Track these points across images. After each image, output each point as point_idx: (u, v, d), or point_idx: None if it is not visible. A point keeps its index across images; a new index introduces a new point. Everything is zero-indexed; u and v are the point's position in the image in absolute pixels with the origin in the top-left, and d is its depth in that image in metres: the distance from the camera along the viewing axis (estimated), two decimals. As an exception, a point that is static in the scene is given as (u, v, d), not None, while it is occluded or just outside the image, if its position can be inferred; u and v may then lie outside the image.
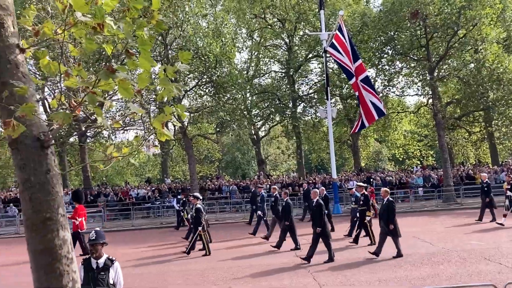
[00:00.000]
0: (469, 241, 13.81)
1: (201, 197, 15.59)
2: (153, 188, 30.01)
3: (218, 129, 28.97)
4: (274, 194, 16.56)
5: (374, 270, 10.68)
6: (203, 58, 24.34)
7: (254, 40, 36.61)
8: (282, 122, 34.13)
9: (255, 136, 36.65)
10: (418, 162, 43.50)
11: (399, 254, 11.94)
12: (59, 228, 4.04)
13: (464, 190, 26.97)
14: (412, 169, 37.19)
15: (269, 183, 29.37)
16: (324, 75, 26.28)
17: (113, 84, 3.71)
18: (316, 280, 10.01)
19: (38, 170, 4.00)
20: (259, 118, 35.24)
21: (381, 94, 31.95)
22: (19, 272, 12.78)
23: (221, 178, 34.86)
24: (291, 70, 31.88)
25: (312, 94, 34.13)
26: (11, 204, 26.74)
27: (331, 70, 30.84)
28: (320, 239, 11.89)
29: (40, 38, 4.28)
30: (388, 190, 13.42)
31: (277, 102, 31.90)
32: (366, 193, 15.10)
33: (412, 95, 69.62)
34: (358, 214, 14.78)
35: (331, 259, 11.82)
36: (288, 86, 32.10)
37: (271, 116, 34.99)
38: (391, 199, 12.67)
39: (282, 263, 12.09)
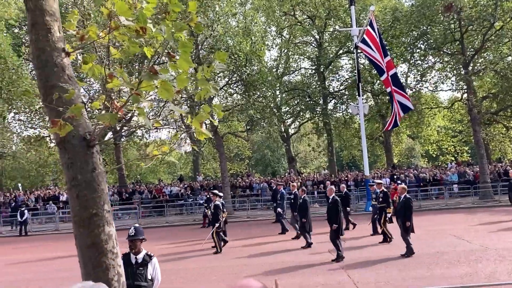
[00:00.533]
0: (508, 239, 13.46)
1: (220, 194, 15.56)
2: (186, 186, 30.46)
3: (248, 127, 29.11)
4: (293, 192, 16.44)
5: (408, 268, 10.57)
6: (233, 57, 24.48)
7: (283, 37, 36.54)
8: (313, 119, 33.96)
9: (285, 134, 36.61)
10: (453, 159, 42.49)
11: (409, 252, 11.76)
12: (104, 223, 4.22)
13: (502, 186, 26.22)
14: (446, 166, 36.39)
15: (300, 180, 29.37)
16: (355, 71, 26.04)
17: (154, 85, 3.84)
18: (350, 277, 9.99)
19: (85, 169, 4.18)
20: (289, 115, 35.19)
21: (413, 90, 31.42)
22: (52, 268, 13.29)
23: (251, 176, 35.02)
24: (322, 66, 31.69)
25: (343, 91, 33.84)
26: (50, 202, 27.69)
27: (362, 66, 30.47)
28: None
29: (84, 42, 4.47)
30: (406, 187, 13.28)
31: (308, 99, 31.77)
32: (385, 190, 14.89)
33: (445, 90, 68.04)
34: (378, 211, 14.78)
35: (340, 257, 11.71)
36: (319, 83, 31.93)
37: (301, 113, 34.90)
38: (408, 196, 12.53)
39: (314, 260, 12.10)
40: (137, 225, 6.74)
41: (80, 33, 4.95)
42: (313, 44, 34.82)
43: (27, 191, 32.47)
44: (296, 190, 16.21)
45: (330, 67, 32.86)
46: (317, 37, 33.25)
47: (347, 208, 17.40)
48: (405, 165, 46.31)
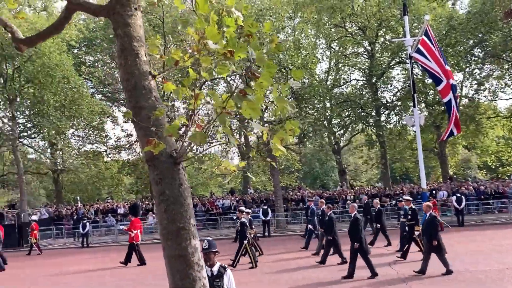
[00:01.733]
0: None
1: (247, 211, 15.61)
2: (238, 199, 30.77)
3: (300, 140, 29.15)
4: (321, 208, 16.18)
5: (478, 284, 10.18)
6: (284, 71, 24.73)
7: (332, 49, 36.43)
8: (365, 130, 33.52)
9: (335, 146, 36.31)
10: (513, 170, 40.52)
11: (448, 271, 11.26)
12: (191, 237, 4.42)
13: None
14: (507, 177, 34.72)
15: (353, 193, 28.96)
16: (408, 82, 25.45)
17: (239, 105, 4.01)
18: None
19: (172, 184, 4.40)
20: (340, 127, 34.91)
21: (470, 99, 30.41)
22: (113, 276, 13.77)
23: (303, 189, 34.89)
24: (374, 77, 31.31)
25: (396, 102, 33.23)
26: (109, 215, 28.78)
27: (415, 76, 29.85)
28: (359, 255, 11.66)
29: (168, 65, 4.73)
30: (431, 205, 12.79)
31: (360, 110, 31.42)
32: (413, 207, 14.40)
33: (506, 99, 65.09)
34: (407, 229, 14.26)
35: (374, 274, 11.48)
36: (371, 94, 31.53)
37: (352, 125, 34.53)
38: (434, 214, 12.09)
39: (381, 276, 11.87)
40: (210, 238, 6.92)
41: (164, 57, 5.26)
42: (364, 55, 34.49)
43: (85, 205, 33.90)
44: (323, 206, 15.90)
45: (383, 77, 32.36)
46: (369, 48, 32.93)
47: (377, 225, 17.22)
48: (461, 178, 44.62)
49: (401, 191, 27.88)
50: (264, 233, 22.76)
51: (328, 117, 32.47)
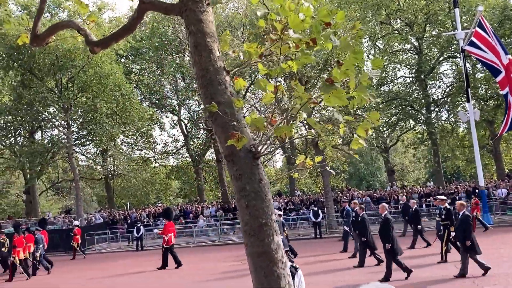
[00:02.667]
0: None
1: (279, 213, 15.27)
2: (286, 201, 30.61)
3: (349, 140, 28.65)
4: (355, 209, 15.67)
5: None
6: (330, 69, 24.44)
7: (376, 47, 35.70)
8: (416, 128, 32.58)
9: (383, 145, 35.51)
10: None
11: (485, 271, 10.83)
12: (273, 233, 4.32)
13: None
14: None
15: (405, 193, 28.16)
16: (459, 76, 24.54)
17: (327, 94, 3.88)
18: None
19: (252, 179, 4.32)
20: (387, 126, 34.10)
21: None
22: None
23: (352, 190, 34.30)
24: (422, 74, 30.40)
25: (446, 98, 32.13)
26: (161, 218, 29.27)
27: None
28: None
29: (244, 59, 4.68)
30: (464, 203, 12.27)
31: (409, 108, 30.57)
32: (448, 206, 13.64)
33: None
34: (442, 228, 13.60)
35: (408, 273, 11.16)
36: (420, 91, 30.63)
37: (401, 123, 33.65)
38: (467, 213, 11.59)
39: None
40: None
41: (236, 52, 5.21)
42: (411, 51, 33.59)
43: (137, 209, 34.72)
44: (357, 207, 15.42)
45: (432, 73, 31.36)
46: (416, 44, 32.03)
47: (418, 226, 16.66)
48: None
49: (455, 190, 26.86)
50: (315, 234, 22.49)
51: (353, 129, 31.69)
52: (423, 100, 30.27)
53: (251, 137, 4.47)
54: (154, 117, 33.76)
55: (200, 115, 36.48)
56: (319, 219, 22.62)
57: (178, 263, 16.45)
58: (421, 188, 31.08)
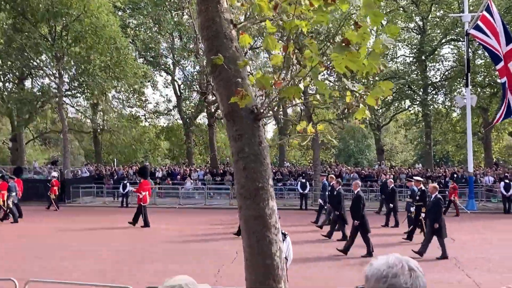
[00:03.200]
0: None
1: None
2: (274, 171, 30.63)
3: (343, 115, 28.50)
4: (331, 183, 15.87)
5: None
6: (329, 44, 24.00)
7: (380, 24, 35.09)
8: (411, 109, 32.48)
9: (375, 124, 35.43)
10: None
11: (444, 256, 11.02)
12: (269, 197, 4.17)
13: None
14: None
15: (393, 173, 28.31)
16: (460, 60, 24.28)
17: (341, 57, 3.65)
18: (470, 277, 9.35)
19: (252, 141, 4.14)
20: (383, 104, 33.93)
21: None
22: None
23: (340, 165, 34.40)
24: (423, 54, 30.04)
25: (444, 82, 31.92)
26: (148, 177, 29.19)
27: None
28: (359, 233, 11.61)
29: (254, 13, 4.40)
30: (437, 186, 12.53)
31: (406, 88, 30.36)
32: (423, 188, 13.82)
33: None
34: (412, 210, 14.04)
35: (369, 253, 11.33)
36: (419, 72, 30.34)
37: (395, 103, 33.49)
38: (439, 196, 11.80)
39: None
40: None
41: (246, 4, 4.91)
42: (414, 31, 33.08)
43: (124, 166, 34.52)
44: (333, 181, 15.60)
45: (433, 55, 31.02)
46: (420, 23, 31.51)
47: (390, 205, 16.92)
48: (504, 164, 43.03)
49: (443, 174, 27.05)
50: (301, 206, 22.62)
51: (361, 99, 31.40)
52: (421, 82, 30.05)
53: (253, 97, 4.27)
54: (147, 74, 33.11)
55: (195, 77, 35.90)
56: (306, 191, 22.71)
57: (146, 224, 16.54)
58: (409, 169, 31.24)
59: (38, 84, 33.61)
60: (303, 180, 23.32)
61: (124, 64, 27.24)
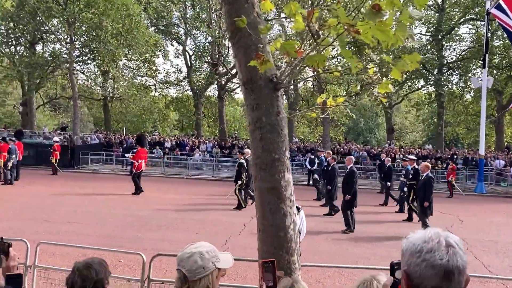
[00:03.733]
0: None
1: (244, 152, 15.67)
2: (283, 146, 30.51)
3: (356, 92, 28.15)
4: (327, 159, 16.09)
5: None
6: (356, 12, 23.47)
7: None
8: (425, 89, 32.00)
9: (388, 102, 34.98)
10: None
11: None
12: (285, 169, 4.08)
13: None
14: None
15: (402, 153, 28.11)
16: (478, 40, 23.68)
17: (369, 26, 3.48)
18: (478, 259, 9.30)
19: (270, 111, 4.03)
20: (396, 82, 33.46)
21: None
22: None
23: (350, 143, 34.21)
24: (440, 33, 29.36)
25: (459, 62, 31.28)
26: (157, 147, 29.31)
27: (484, 37, 27.90)
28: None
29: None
30: (429, 165, 12.41)
31: (421, 67, 29.83)
32: (416, 166, 13.74)
33: None
34: (405, 189, 14.07)
35: (349, 229, 11.48)
36: (435, 51, 29.74)
37: (409, 82, 32.99)
38: (430, 175, 11.65)
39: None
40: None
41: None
42: (433, 8, 32.26)
43: (133, 135, 34.62)
44: (329, 157, 15.66)
45: (450, 34, 30.32)
46: (439, 0, 30.68)
47: (388, 183, 16.99)
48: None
49: (454, 155, 26.82)
50: (308, 182, 22.59)
51: (384, 71, 31.00)
52: (436, 61, 29.47)
53: (273, 65, 4.13)
54: (159, 43, 32.81)
55: (206, 47, 35.52)
56: (314, 167, 22.61)
57: (139, 190, 16.78)
58: (419, 150, 31.01)
59: (49, 49, 33.49)
60: (312, 156, 23.19)
61: (136, 32, 26.97)
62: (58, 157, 22.68)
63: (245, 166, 14.62)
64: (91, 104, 46.94)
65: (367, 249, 9.98)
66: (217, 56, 33.21)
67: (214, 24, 32.45)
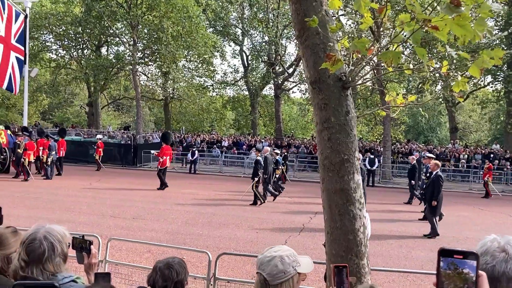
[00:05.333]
0: None
1: (260, 150, 15.92)
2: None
3: (418, 90, 27.19)
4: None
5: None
6: (402, 13, 22.69)
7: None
8: (492, 86, 30.30)
9: (452, 100, 33.49)
10: None
11: (432, 234, 10.91)
12: (354, 171, 3.97)
13: None
14: None
15: (467, 153, 26.83)
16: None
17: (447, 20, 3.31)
18: None
19: (338, 111, 3.93)
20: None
21: None
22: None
23: (411, 143, 33.12)
24: (511, 27, 27.63)
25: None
26: (215, 146, 29.81)
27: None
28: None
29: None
30: (439, 163, 11.97)
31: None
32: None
33: None
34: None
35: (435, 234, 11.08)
36: (506, 47, 28.03)
37: (474, 79, 31.35)
38: (440, 173, 11.42)
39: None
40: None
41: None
42: (503, 1, 30.38)
43: (192, 134, 35.44)
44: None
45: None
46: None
47: (412, 182, 16.86)
48: None
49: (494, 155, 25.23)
50: (368, 182, 22.08)
51: (456, 68, 29.59)
52: (505, 56, 27.76)
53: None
54: (217, 44, 33.35)
55: (263, 47, 35.66)
56: (374, 167, 22.12)
57: (164, 185, 17.35)
58: (485, 149, 29.41)
59: (113, 52, 34.99)
60: (372, 156, 22.68)
61: (195, 34, 27.55)
62: (102, 154, 23.64)
63: (262, 163, 14.93)
64: (152, 104, 48.53)
65: (430, 251, 9.59)
66: (274, 56, 33.24)
67: (271, 23, 32.52)
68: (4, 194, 14.21)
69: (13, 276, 2.09)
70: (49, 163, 18.90)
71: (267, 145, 21.97)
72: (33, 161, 18.88)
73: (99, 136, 25.61)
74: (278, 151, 18.06)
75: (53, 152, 19.18)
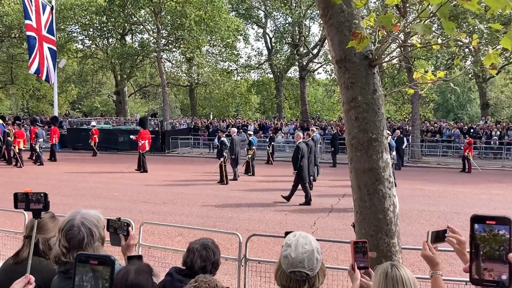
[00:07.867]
0: None
1: (224, 131, 17.51)
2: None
3: (447, 67, 26.46)
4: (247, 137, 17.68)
5: None
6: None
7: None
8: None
9: (482, 75, 32.48)
10: None
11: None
12: (383, 150, 3.94)
13: None
14: None
15: (500, 129, 26.08)
16: None
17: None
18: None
19: (366, 89, 3.89)
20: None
21: None
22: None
23: (441, 121, 32.39)
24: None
25: None
26: (241, 130, 29.83)
27: None
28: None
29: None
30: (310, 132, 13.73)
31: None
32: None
33: None
34: None
35: (307, 202, 11.92)
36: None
37: (506, 52, 30.25)
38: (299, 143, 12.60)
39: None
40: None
41: None
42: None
43: (218, 119, 35.61)
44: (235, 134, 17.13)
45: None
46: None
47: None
48: None
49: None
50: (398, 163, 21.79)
51: (486, 42, 28.64)
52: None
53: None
54: (240, 28, 33.16)
55: (286, 29, 35.28)
56: (403, 147, 21.76)
57: (143, 169, 18.08)
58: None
59: (138, 40, 35.27)
60: (401, 135, 22.29)
61: (218, 18, 27.45)
62: (97, 140, 24.27)
63: (226, 143, 15.90)
64: (178, 90, 48.90)
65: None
66: (298, 37, 32.87)
67: (294, 4, 32.09)
68: (40, 182, 14.70)
69: (54, 261, 2.17)
70: (37, 149, 19.73)
71: (293, 129, 22.17)
72: (23, 148, 19.76)
73: (93, 123, 26.15)
74: (251, 132, 20.17)
75: (41, 140, 19.98)
